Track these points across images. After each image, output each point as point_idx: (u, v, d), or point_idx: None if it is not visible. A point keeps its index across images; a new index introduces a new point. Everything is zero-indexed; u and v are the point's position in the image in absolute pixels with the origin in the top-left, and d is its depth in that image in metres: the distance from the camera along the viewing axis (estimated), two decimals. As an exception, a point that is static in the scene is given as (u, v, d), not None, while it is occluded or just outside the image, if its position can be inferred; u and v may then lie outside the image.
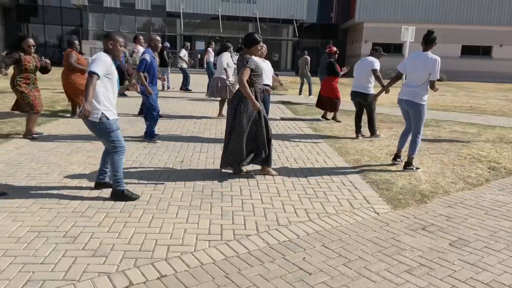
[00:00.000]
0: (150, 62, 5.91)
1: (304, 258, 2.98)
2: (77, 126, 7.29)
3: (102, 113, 3.65)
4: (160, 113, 6.60)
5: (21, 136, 6.22)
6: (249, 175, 4.86)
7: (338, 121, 9.02)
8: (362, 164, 5.53)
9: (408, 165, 5.31)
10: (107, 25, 29.05)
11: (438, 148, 6.72)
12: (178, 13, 29.05)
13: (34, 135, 6.17)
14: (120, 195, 3.84)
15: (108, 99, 3.71)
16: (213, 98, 9.45)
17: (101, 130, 3.70)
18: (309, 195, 4.29)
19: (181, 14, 29.01)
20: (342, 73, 8.97)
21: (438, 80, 5.15)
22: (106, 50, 3.75)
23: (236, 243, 3.15)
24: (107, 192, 4.05)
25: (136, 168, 5.00)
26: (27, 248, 2.90)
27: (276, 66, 31.79)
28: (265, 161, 4.75)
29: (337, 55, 9.38)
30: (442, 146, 6.85)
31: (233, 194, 4.19)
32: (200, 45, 29.42)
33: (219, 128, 7.72)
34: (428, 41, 5.09)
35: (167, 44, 13.32)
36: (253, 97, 4.44)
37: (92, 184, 4.26)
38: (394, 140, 7.16)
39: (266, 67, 6.41)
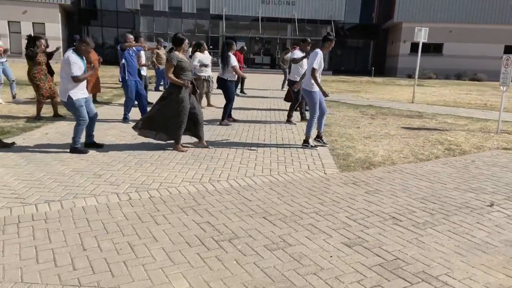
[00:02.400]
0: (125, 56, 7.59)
1: (251, 194, 4.31)
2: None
3: (68, 94, 5.24)
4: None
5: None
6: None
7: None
8: (336, 144, 6.72)
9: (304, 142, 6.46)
10: (156, 27, 31.49)
11: (413, 134, 7.74)
12: (220, 16, 30.89)
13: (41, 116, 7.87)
14: (74, 149, 5.47)
15: (75, 84, 5.30)
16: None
17: (68, 106, 5.36)
18: (279, 161, 5.59)
19: (224, 16, 30.81)
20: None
21: (476, 80, 6.27)
22: (77, 49, 5.31)
23: (208, 184, 4.54)
24: (128, 151, 5.58)
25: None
26: (69, 179, 4.46)
27: (313, 65, 32.66)
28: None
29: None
30: (417, 133, 7.85)
31: (221, 158, 5.59)
32: (241, 45, 30.98)
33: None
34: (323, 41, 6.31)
35: (166, 44, 14.95)
36: (180, 81, 5.59)
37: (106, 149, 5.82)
38: (378, 128, 8.24)
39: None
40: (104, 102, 10.38)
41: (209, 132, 7.14)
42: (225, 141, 6.58)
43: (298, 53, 8.44)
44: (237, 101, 11.83)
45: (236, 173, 4.96)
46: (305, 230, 3.44)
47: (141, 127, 5.80)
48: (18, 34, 27.77)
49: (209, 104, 10.54)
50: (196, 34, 31.92)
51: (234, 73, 7.91)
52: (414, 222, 3.69)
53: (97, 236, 3.17)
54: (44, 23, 28.80)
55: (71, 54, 5.21)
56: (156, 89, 13.61)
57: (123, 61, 7.51)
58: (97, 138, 6.28)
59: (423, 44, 13.30)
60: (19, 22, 28.65)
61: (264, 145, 6.42)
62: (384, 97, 15.15)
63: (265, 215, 3.72)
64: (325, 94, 6.17)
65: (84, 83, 5.50)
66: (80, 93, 5.39)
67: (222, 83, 7.93)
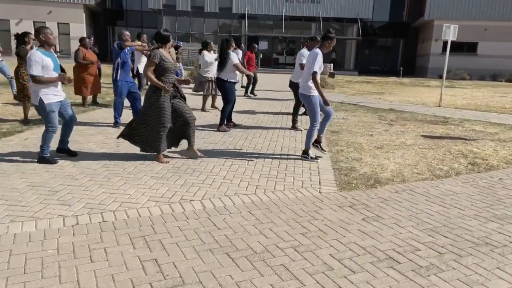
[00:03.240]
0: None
1: (224, 219, 3.64)
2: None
3: (40, 97, 4.70)
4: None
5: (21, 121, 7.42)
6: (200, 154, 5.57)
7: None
8: (341, 155, 5.95)
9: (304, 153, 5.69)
10: (179, 27, 31.27)
11: (433, 144, 6.85)
12: (243, 15, 30.32)
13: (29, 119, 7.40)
14: (42, 159, 4.93)
15: (45, 85, 4.74)
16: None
17: (38, 110, 4.84)
18: (270, 176, 4.89)
19: (246, 15, 30.23)
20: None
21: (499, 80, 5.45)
22: (42, 44, 4.74)
23: (177, 205, 3.90)
24: (104, 161, 5.03)
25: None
26: (19, 196, 3.92)
27: (338, 65, 31.74)
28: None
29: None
30: (438, 142, 6.96)
31: (204, 171, 4.94)
32: (263, 45, 30.38)
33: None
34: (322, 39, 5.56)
35: (179, 43, 14.56)
36: (160, 83, 4.97)
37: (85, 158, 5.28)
38: (394, 136, 7.39)
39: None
40: (104, 104, 9.94)
41: (202, 139, 6.52)
42: (216, 150, 5.93)
43: (305, 52, 7.69)
44: (245, 104, 11.18)
45: (215, 191, 4.30)
46: (273, 274, 2.74)
47: (125, 137, 5.25)
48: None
49: (213, 106, 9.93)
50: (218, 33, 31.53)
51: (235, 73, 7.26)
52: (416, 265, 2.92)
53: (9, 278, 2.58)
54: (68, 23, 29.07)
55: (34, 52, 4.69)
56: None
57: (118, 60, 7.00)
58: (78, 145, 5.78)
59: (456, 43, 12.25)
60: (44, 22, 28.98)
61: (259, 156, 5.73)
62: (409, 100, 14.13)
63: (230, 251, 3.05)
64: (326, 103, 5.41)
65: (57, 83, 4.96)
66: (52, 95, 4.85)
67: (221, 84, 7.29)
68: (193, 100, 10.71)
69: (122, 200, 3.93)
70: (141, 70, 9.28)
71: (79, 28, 29.09)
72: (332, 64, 28.62)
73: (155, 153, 5.21)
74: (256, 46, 13.33)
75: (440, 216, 3.87)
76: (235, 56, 7.23)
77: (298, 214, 3.81)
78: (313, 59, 5.40)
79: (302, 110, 8.87)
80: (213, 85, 9.46)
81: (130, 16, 34.86)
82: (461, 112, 11.37)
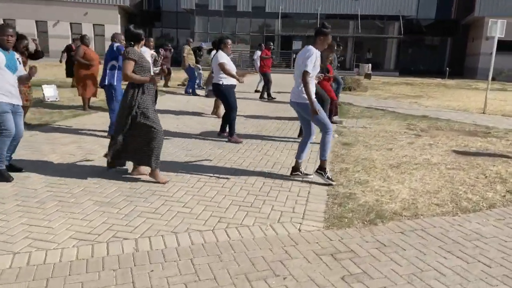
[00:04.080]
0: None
1: (151, 271, 2.73)
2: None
3: None
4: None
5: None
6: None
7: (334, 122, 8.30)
8: (343, 175, 4.87)
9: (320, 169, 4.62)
10: (211, 27, 30.78)
11: (465, 162, 5.58)
12: (276, 14, 29.35)
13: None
14: None
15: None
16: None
17: None
18: (244, 203, 3.92)
19: (280, 14, 29.23)
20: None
21: None
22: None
23: (101, 246, 3.03)
24: (54, 178, 4.27)
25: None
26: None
27: (378, 66, 30.07)
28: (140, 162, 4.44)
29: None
30: (472, 160, 5.68)
31: (163, 195, 4.06)
32: (297, 45, 29.26)
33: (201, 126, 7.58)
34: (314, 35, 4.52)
35: (202, 44, 13.87)
36: (147, 77, 4.24)
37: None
38: (418, 151, 6.17)
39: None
40: (101, 108, 9.30)
41: (186, 150, 5.63)
42: (195, 164, 5.03)
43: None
44: (258, 107, 10.19)
45: (163, 225, 3.40)
46: None
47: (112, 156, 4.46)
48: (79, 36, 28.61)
49: (215, 112, 9.01)
50: (251, 33, 30.72)
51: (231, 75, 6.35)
52: None
53: None
54: (103, 25, 29.36)
55: None
56: (193, 92, 12.42)
57: (114, 62, 6.27)
58: (38, 155, 5.10)
59: (509, 42, 10.65)
60: (80, 24, 29.47)
61: (243, 174, 4.77)
62: (449, 105, 12.60)
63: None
64: (314, 111, 4.37)
65: (12, 85, 4.25)
66: (2, 94, 4.15)
67: (217, 89, 6.40)
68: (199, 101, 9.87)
69: (37, 237, 3.11)
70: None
71: (113, 30, 29.20)
72: (370, 65, 27.03)
73: (151, 170, 4.38)
74: (272, 44, 12.35)
75: (454, 277, 2.76)
76: (222, 55, 6.30)
77: (256, 266, 2.83)
78: (304, 57, 4.38)
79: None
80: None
81: (166, 17, 34.81)
82: (509, 120, 9.81)
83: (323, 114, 4.47)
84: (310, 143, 4.77)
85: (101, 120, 7.61)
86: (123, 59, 4.24)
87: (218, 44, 6.57)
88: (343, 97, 13.20)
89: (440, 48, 34.78)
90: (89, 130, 6.83)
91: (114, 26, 28.78)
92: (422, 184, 4.63)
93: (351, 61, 30.60)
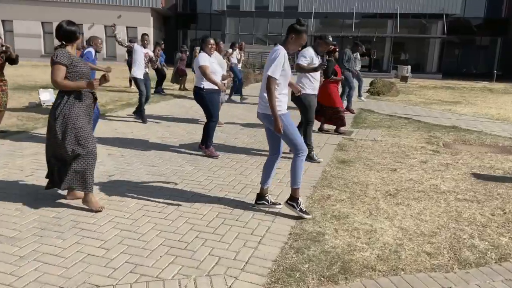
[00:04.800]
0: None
1: None
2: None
3: None
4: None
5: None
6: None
7: (342, 133, 7.49)
8: (320, 205, 3.98)
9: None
10: (242, 29, 30.22)
11: (483, 190, 4.50)
12: (310, 13, 28.29)
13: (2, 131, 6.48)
14: None
15: None
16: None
17: None
18: (178, 243, 3.16)
19: (313, 14, 28.15)
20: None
21: None
22: None
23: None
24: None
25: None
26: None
27: (419, 68, 28.33)
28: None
29: (336, 53, 7.66)
30: (493, 188, 4.58)
31: (86, 227, 3.36)
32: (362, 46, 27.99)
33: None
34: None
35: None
36: (84, 82, 3.58)
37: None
38: (429, 173, 5.14)
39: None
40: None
41: (146, 166, 4.93)
42: (149, 184, 4.31)
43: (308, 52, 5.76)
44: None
45: (54, 275, 2.70)
46: None
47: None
48: (113, 38, 28.94)
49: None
50: (282, 34, 29.75)
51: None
52: None
53: None
54: (136, 27, 29.55)
55: None
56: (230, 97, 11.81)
57: None
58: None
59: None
60: (114, 26, 29.80)
61: (199, 199, 4.00)
62: (488, 113, 11.18)
63: None
64: (277, 128, 3.53)
65: None
66: None
67: (198, 94, 5.67)
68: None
69: None
70: (138, 75, 7.91)
71: (146, 32, 29.40)
72: (409, 67, 25.39)
73: (84, 195, 3.74)
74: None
75: None
76: (204, 57, 5.55)
77: None
78: (270, 59, 3.56)
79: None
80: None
81: (200, 19, 34.67)
82: (556, 132, 8.40)
83: (292, 131, 3.62)
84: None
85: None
86: (51, 64, 3.60)
87: (201, 44, 5.85)
88: (368, 103, 12.10)
89: (489, 49, 32.33)
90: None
91: (146, 29, 28.91)
92: (417, 221, 3.66)
93: (388, 63, 28.96)
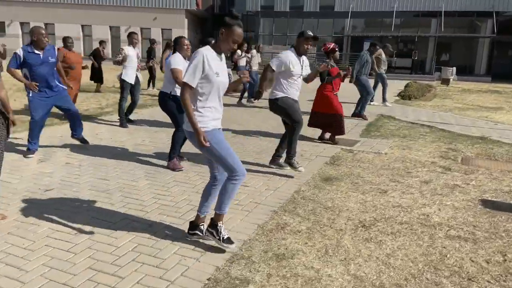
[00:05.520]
0: (24, 58, 5.06)
1: None
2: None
3: None
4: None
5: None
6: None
7: (334, 143, 6.61)
8: (269, 238, 3.24)
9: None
10: (276, 29, 29.50)
11: (487, 225, 3.54)
12: (346, 13, 27.07)
13: None
14: None
15: None
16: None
17: None
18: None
19: (350, 13, 26.90)
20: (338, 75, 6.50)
21: None
22: None
23: None
24: None
25: None
26: None
27: (466, 70, 26.35)
28: None
29: (336, 54, 6.61)
30: (500, 222, 3.60)
31: (-26, 258, 2.85)
32: (368, 46, 26.68)
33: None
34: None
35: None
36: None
37: None
38: (426, 198, 4.22)
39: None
40: (88, 117, 8.48)
41: (100, 181, 4.39)
42: (66, 204, 3.76)
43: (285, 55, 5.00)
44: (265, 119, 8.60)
45: None
46: None
47: None
48: (146, 40, 29.23)
49: None
50: (317, 35, 28.70)
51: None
52: None
53: None
54: (171, 29, 29.65)
55: None
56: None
57: (25, 71, 5.22)
58: None
59: None
60: (150, 28, 30.12)
61: (121, 226, 3.39)
62: (532, 120, 9.80)
63: None
64: (200, 142, 2.81)
65: None
66: None
67: (163, 100, 5.08)
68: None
69: None
70: (130, 79, 7.46)
71: (180, 34, 29.38)
72: (454, 68, 23.58)
73: None
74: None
75: None
76: (177, 60, 4.93)
77: None
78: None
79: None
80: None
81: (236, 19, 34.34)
82: None
83: (221, 150, 2.91)
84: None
85: (67, 133, 6.73)
86: None
87: (174, 45, 5.25)
88: (394, 108, 11.02)
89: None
90: (47, 146, 5.93)
91: (181, 30, 28.94)
92: (381, 268, 2.84)
93: (431, 64, 27.12)
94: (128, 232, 3.27)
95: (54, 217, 3.50)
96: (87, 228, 3.33)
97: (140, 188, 4.30)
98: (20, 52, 5.09)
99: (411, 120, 9.12)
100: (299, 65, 4.79)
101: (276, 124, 7.92)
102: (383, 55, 11.38)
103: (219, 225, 2.99)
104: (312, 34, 4.75)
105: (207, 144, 2.81)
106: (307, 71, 5.05)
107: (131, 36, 7.55)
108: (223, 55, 2.97)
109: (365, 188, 4.45)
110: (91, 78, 12.51)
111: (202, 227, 3.19)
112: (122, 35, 29.78)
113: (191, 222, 3.24)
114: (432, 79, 23.37)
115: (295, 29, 29.26)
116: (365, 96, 9.29)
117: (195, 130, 2.79)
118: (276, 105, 4.84)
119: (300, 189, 4.35)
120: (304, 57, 4.92)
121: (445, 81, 20.55)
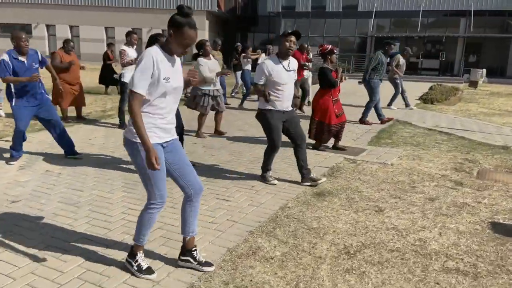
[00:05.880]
0: (11, 65, 4.80)
1: None
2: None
3: None
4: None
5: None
6: None
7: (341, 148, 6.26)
8: (239, 263, 2.85)
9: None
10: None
11: (492, 255, 3.02)
12: (370, 13, 26.28)
13: None
14: None
15: None
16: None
17: None
18: None
19: (374, 13, 26.10)
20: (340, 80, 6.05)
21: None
22: None
23: None
24: None
25: None
26: None
27: (497, 71, 25.12)
28: None
29: (334, 56, 6.09)
30: (507, 252, 3.08)
31: None
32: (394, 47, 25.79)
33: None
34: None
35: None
36: None
37: None
38: (427, 219, 3.72)
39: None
40: (93, 121, 8.29)
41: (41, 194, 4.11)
42: (27, 219, 3.48)
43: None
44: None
45: None
46: None
47: None
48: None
49: (217, 131, 7.34)
50: (340, 36, 28.06)
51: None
52: None
53: None
54: (192, 31, 29.51)
55: None
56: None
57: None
58: None
59: None
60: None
61: (59, 249, 3.08)
62: None
63: None
64: (151, 163, 2.42)
65: None
66: None
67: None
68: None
69: None
70: (126, 79, 7.23)
71: (201, 36, 29.24)
72: (483, 70, 22.48)
73: None
74: (307, 45, 10.11)
75: None
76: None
77: None
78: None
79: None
80: (214, 100, 6.94)
81: (258, 21, 34.05)
82: None
83: (146, 172, 2.54)
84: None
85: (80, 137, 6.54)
86: None
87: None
88: (412, 113, 10.40)
89: None
90: (46, 154, 5.75)
91: (201, 32, 28.81)
92: (356, 309, 2.40)
93: (460, 66, 25.98)
94: (80, 255, 2.96)
95: (8, 234, 3.23)
96: (39, 247, 3.03)
97: (113, 201, 3.99)
98: (7, 58, 4.86)
99: (428, 126, 8.51)
100: (284, 71, 4.31)
101: (280, 129, 7.52)
102: (401, 60, 10.74)
103: (136, 255, 2.71)
104: (290, 31, 4.31)
105: (158, 167, 2.44)
106: (295, 75, 4.58)
107: (130, 35, 7.29)
108: (176, 57, 2.60)
109: (360, 206, 4.00)
110: (100, 82, 12.44)
111: (196, 253, 2.83)
112: (144, 37, 29.97)
113: (182, 247, 2.87)
114: (460, 82, 22.35)
115: (317, 30, 28.70)
116: (368, 102, 8.62)
117: (147, 148, 2.42)
118: (258, 116, 4.45)
119: (286, 205, 3.94)
120: (291, 60, 4.46)
121: (473, 84, 19.55)
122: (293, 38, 4.21)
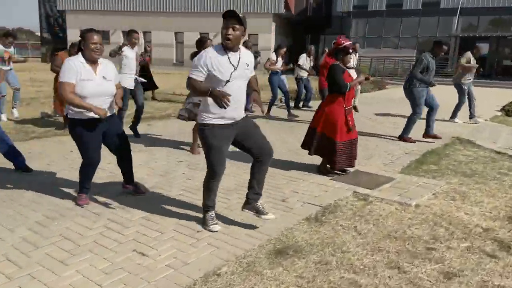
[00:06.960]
0: None
1: None
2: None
3: None
4: None
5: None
6: None
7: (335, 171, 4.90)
8: None
9: None
10: (369, 30, 26.79)
11: None
12: (455, 10, 23.32)
13: None
14: None
15: None
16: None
17: None
18: None
19: (459, 10, 23.11)
20: (355, 82, 4.43)
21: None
22: None
23: None
24: None
25: None
26: None
27: None
28: None
29: (348, 57, 4.52)
30: None
31: None
32: (483, 49, 22.64)
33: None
34: None
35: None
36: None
37: None
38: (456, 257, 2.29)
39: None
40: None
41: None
42: None
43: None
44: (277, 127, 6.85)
45: None
46: None
47: None
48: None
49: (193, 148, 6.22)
50: (418, 36, 25.31)
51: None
52: None
53: None
54: (257, 34, 28.81)
55: None
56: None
57: None
58: None
59: None
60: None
61: None
62: None
63: None
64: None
65: None
66: None
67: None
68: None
69: None
70: (128, 85, 6.48)
71: (267, 39, 28.45)
72: None
73: None
74: (312, 47, 10.14)
75: None
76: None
77: None
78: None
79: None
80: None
81: (331, 22, 32.39)
82: None
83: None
84: None
85: (56, 147, 5.97)
86: None
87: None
88: (484, 127, 8.41)
89: None
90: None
91: (267, 35, 28.03)
92: None
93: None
94: None
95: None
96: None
97: (62, 230, 3.13)
98: None
99: (498, 149, 6.59)
100: (229, 66, 3.07)
101: (293, 147, 6.22)
102: (473, 60, 8.76)
103: None
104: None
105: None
106: (250, 72, 3.28)
107: (131, 35, 6.55)
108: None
109: (330, 279, 2.67)
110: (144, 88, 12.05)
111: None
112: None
113: None
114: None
115: (393, 30, 26.35)
116: (412, 115, 6.85)
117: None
118: (199, 135, 3.27)
119: (217, 271, 2.74)
120: (244, 52, 3.20)
121: None
122: (230, 20, 3.03)
